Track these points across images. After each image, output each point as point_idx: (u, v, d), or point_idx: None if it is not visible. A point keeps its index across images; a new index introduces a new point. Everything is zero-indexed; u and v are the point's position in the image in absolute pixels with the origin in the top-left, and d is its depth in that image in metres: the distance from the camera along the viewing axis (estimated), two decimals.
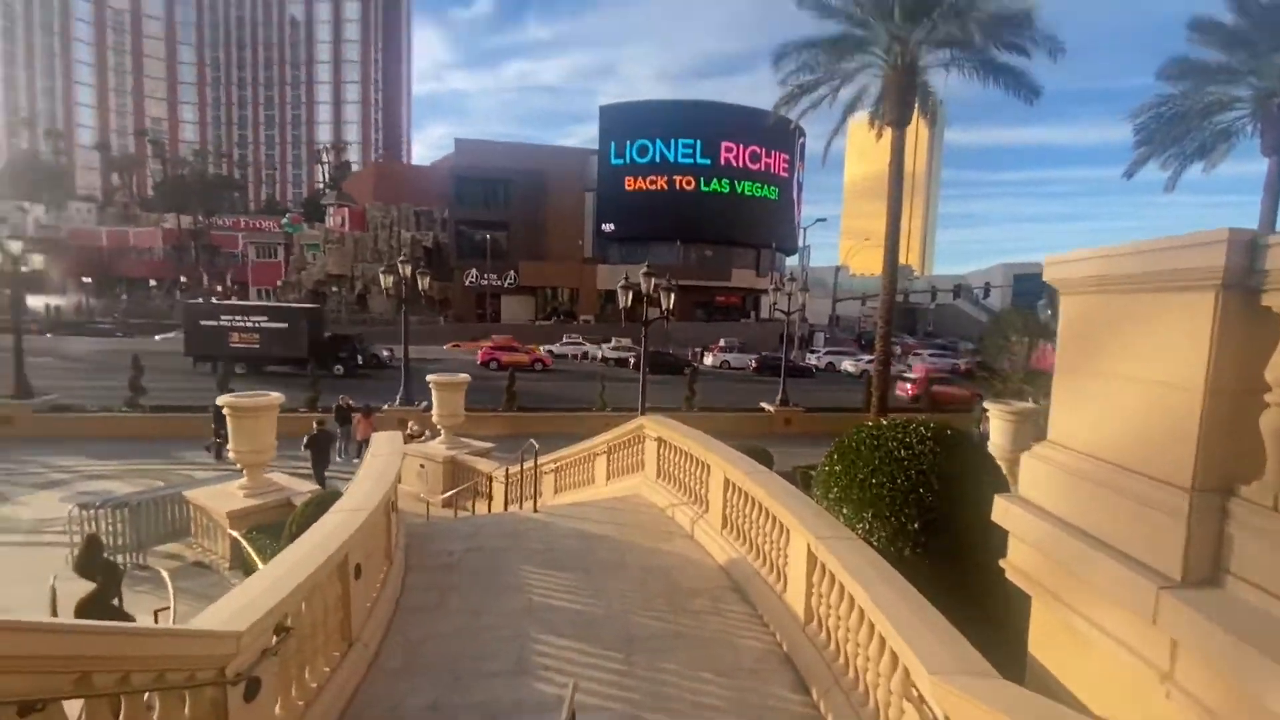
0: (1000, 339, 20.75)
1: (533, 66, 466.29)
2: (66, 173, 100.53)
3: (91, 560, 6.52)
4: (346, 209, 69.89)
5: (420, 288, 19.36)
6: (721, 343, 45.57)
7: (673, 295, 14.91)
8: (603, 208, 61.38)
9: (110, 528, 9.38)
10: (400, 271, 18.78)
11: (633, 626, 4.99)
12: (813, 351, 49.14)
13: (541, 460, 10.91)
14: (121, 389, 19.31)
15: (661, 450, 7.90)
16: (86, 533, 6.90)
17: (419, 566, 5.96)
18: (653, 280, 14.43)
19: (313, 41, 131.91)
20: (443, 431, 13.38)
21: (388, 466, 5.75)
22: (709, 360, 43.46)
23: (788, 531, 4.92)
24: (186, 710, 2.64)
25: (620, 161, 60.35)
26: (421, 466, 13.08)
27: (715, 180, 60.48)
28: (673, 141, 59.74)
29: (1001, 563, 3.39)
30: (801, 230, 64.58)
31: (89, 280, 60.83)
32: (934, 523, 4.84)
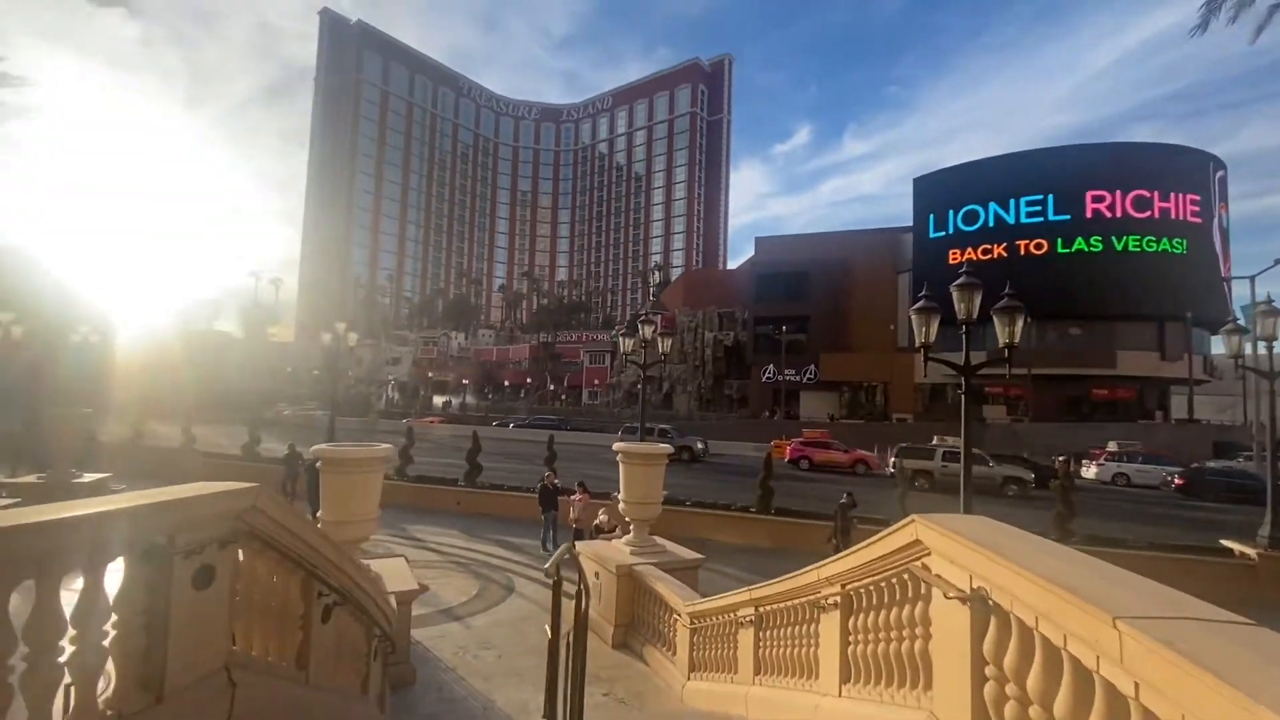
0: None
1: (848, 181, 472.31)
2: (480, 309, 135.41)
3: None
4: (660, 317, 75.86)
5: (663, 348, 16.28)
6: (1111, 447, 31.59)
7: (1017, 330, 8.36)
8: (920, 289, 52.63)
9: None
10: (642, 333, 16.01)
11: None
12: None
13: (734, 598, 5.71)
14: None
15: (992, 635, 2.17)
16: None
17: None
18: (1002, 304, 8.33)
19: (649, 189, 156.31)
20: (632, 527, 9.13)
21: None
22: (1091, 473, 30.28)
23: None
24: None
25: (941, 234, 51.56)
26: (595, 577, 8.93)
27: (1080, 239, 46.56)
28: (1012, 201, 48.72)
29: None
30: (1245, 283, 44.76)
31: (466, 382, 76.56)
32: None
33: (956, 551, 2.38)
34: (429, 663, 7.42)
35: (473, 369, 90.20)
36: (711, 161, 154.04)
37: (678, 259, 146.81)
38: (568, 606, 5.27)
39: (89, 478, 14.05)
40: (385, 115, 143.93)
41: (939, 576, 2.53)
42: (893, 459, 27.30)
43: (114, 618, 2.29)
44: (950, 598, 2.32)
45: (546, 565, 3.93)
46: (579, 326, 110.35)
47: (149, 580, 2.39)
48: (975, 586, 2.25)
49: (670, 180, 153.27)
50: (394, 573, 7.47)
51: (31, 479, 14.07)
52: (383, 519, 15.66)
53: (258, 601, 3.12)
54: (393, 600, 6.55)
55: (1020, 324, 8.54)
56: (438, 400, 73.40)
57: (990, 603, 2.16)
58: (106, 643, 2.26)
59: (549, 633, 4.64)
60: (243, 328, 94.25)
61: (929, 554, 2.68)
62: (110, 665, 2.31)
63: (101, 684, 2.28)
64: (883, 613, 3.26)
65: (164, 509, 2.42)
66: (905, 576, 2.96)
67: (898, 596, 3.09)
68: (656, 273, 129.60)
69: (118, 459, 19.97)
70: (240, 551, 2.93)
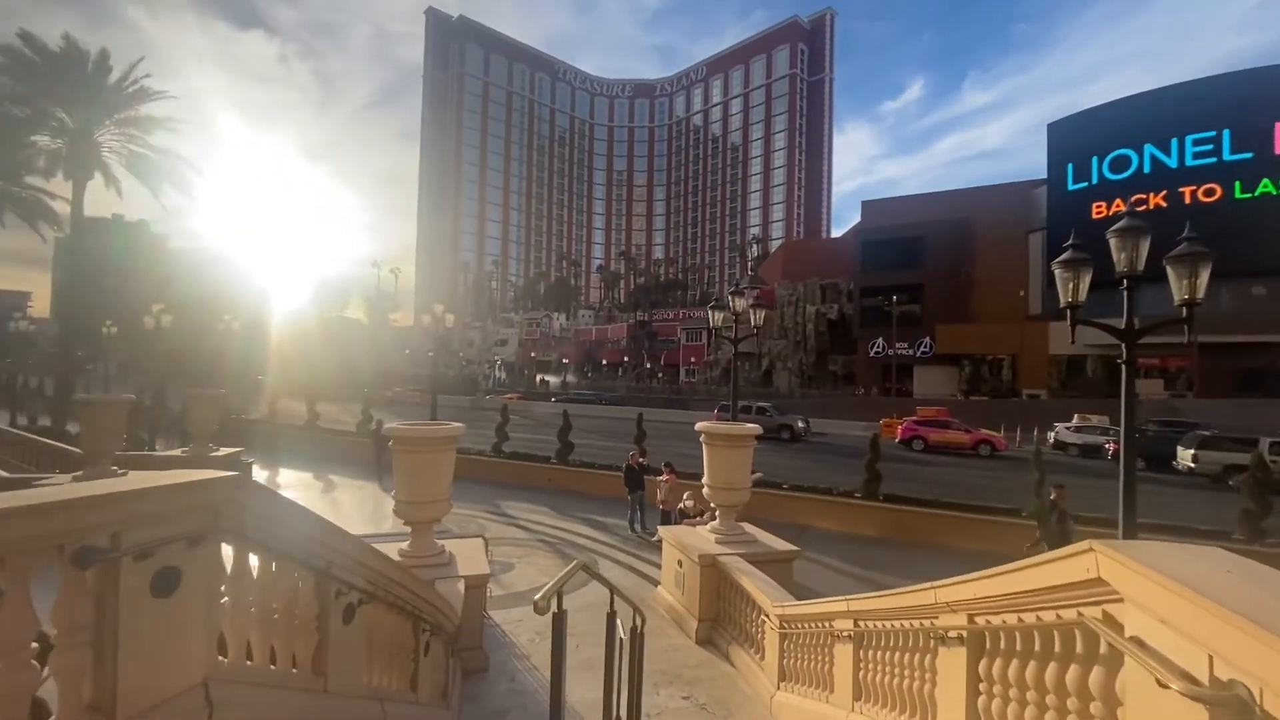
0: None
1: (970, 136, 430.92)
2: (580, 290, 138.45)
3: None
4: (757, 291, 73.38)
5: (755, 320, 15.26)
6: None
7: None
8: (1057, 249, 46.69)
9: None
10: (733, 306, 15.10)
11: None
12: None
13: (828, 606, 4.87)
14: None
15: None
16: None
17: None
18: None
19: (746, 159, 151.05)
20: (718, 513, 8.41)
21: None
22: None
23: None
24: None
25: (1081, 185, 45.29)
26: (679, 565, 8.32)
27: (1267, 180, 39.05)
28: (1174, 141, 41.70)
29: None
30: None
31: (567, 361, 78.51)
32: None
33: (1178, 610, 1.45)
34: (504, 648, 7.17)
35: (573, 348, 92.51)
36: (813, 125, 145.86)
37: (778, 231, 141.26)
38: (651, 593, 4.71)
39: (223, 451, 15.42)
40: (487, 105, 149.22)
41: (1137, 641, 1.61)
42: (1189, 452, 21.32)
43: (49, 632, 1.95)
44: (1171, 688, 1.40)
45: (537, 598, 3.26)
46: (675, 304, 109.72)
47: (90, 587, 2.02)
48: (1223, 678, 1.33)
49: (769, 148, 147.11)
50: (468, 555, 7.27)
51: (177, 452, 15.71)
52: (478, 494, 16.07)
53: (256, 605, 2.76)
54: (461, 585, 6.31)
55: (1205, 276, 6.78)
56: (540, 379, 75.96)
57: (1260, 711, 1.24)
58: (36, 661, 1.92)
59: (610, 630, 4.16)
60: (368, 314, 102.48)
61: (1118, 600, 1.75)
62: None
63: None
64: (1030, 664, 2.33)
65: (101, 503, 2.01)
66: (1073, 628, 2.02)
67: (1056, 649, 2.15)
68: (755, 245, 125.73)
69: (253, 435, 22.06)
70: (223, 550, 2.55)
